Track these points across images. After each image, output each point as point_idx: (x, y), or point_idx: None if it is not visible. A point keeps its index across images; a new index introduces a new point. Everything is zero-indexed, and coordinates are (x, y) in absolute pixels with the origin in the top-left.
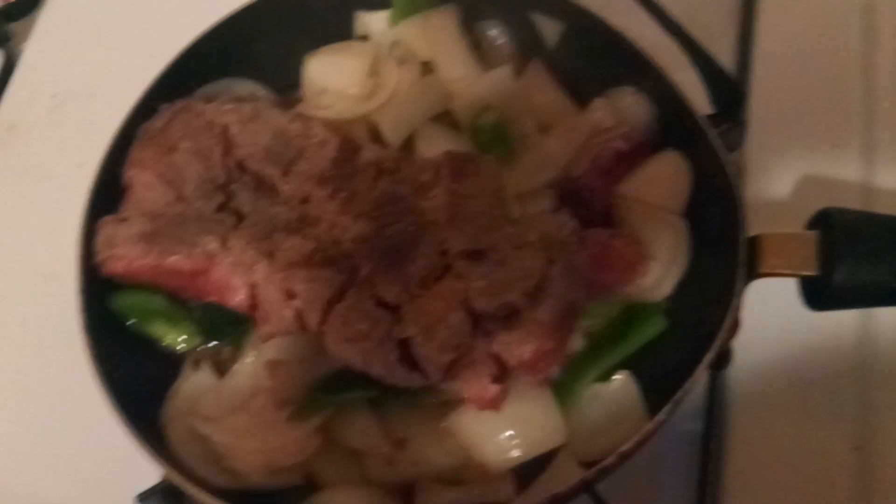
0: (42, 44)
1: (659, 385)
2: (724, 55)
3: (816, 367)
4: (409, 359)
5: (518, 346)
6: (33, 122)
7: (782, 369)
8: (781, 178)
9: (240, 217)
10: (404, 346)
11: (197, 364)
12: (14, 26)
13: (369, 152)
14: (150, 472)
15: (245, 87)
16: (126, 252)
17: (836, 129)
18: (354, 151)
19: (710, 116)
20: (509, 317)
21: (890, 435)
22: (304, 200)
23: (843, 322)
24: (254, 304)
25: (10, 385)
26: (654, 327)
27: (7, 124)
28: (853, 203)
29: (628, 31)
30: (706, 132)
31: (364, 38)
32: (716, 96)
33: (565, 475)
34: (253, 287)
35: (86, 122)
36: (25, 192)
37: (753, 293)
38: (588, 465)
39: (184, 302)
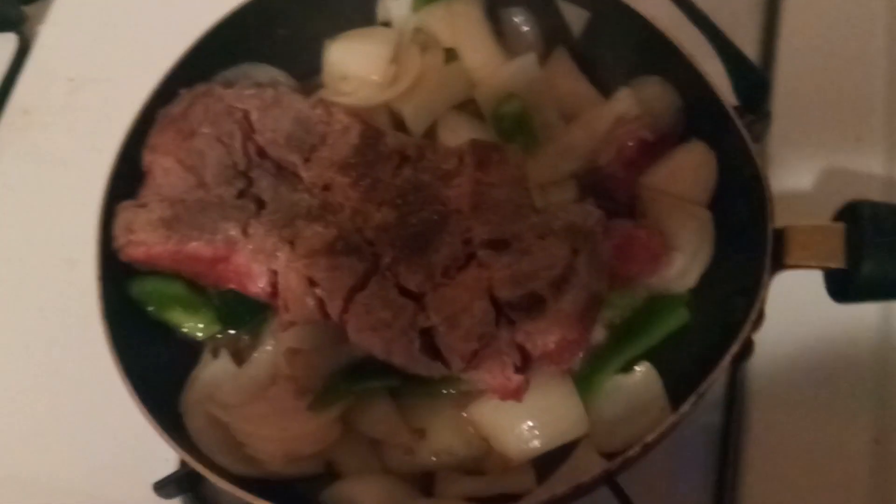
0: (57, 27)
1: (681, 377)
2: (749, 47)
3: (837, 359)
4: (431, 348)
5: (542, 336)
6: (49, 106)
7: (803, 362)
8: (805, 171)
9: (261, 204)
10: (427, 335)
11: (216, 352)
12: (29, 9)
13: (392, 139)
14: (166, 461)
15: (265, 72)
16: (146, 238)
17: (861, 122)
18: (377, 138)
19: (734, 108)
20: (533, 306)
21: None
22: (326, 187)
23: (863, 315)
24: (274, 291)
25: (26, 371)
26: (678, 319)
27: (22, 109)
28: (877, 196)
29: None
30: (735, 122)
31: (386, 24)
32: (740, 88)
33: (586, 466)
34: (274, 274)
35: (103, 107)
36: (41, 176)
37: (774, 285)
38: (609, 455)
39: (203, 289)
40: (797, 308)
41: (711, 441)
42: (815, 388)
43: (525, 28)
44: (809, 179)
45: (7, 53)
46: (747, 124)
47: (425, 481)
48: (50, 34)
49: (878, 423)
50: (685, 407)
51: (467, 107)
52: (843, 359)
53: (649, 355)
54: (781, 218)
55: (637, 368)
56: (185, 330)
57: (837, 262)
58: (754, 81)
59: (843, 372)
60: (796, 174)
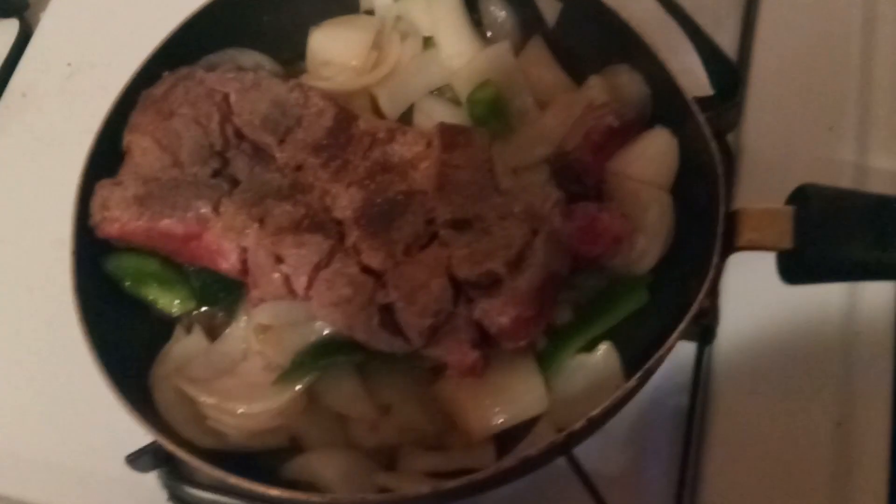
0: (59, 13)
1: (641, 356)
2: (728, 38)
3: (801, 343)
4: (392, 324)
5: (497, 313)
6: (47, 89)
7: (767, 345)
8: (778, 159)
9: (235, 183)
10: (388, 311)
11: (189, 328)
12: None
13: (364, 123)
14: (141, 434)
15: (250, 57)
16: (119, 214)
17: (834, 112)
18: (350, 121)
19: (708, 97)
20: (492, 285)
21: (871, 411)
22: (298, 168)
23: (827, 299)
24: (244, 268)
25: (12, 349)
26: (638, 300)
27: (21, 91)
28: (847, 184)
29: (624, 10)
30: (693, 109)
31: (369, 12)
32: (714, 77)
33: (543, 442)
34: (244, 252)
35: (99, 91)
36: (37, 158)
37: (740, 269)
38: None
39: (179, 266)
40: (762, 292)
41: (678, 424)
42: (779, 372)
43: (503, 17)
44: (782, 167)
45: (9, 38)
46: (720, 113)
47: (388, 456)
48: (51, 20)
49: (839, 407)
50: (631, 382)
51: (446, 93)
52: (806, 342)
53: (611, 335)
54: (750, 204)
55: (599, 347)
56: (160, 306)
57: (786, 245)
58: (726, 71)
59: (807, 355)
60: (769, 162)
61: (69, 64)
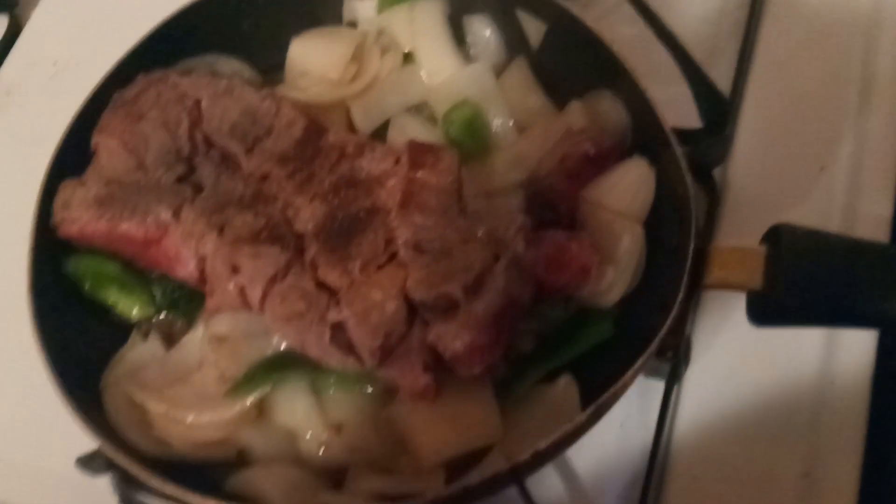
0: (49, 11)
1: (600, 390)
2: (723, 70)
3: (773, 389)
4: (345, 342)
5: (451, 338)
6: (31, 87)
7: (738, 388)
8: (765, 197)
9: (200, 190)
10: (341, 329)
11: (146, 333)
12: None
13: (334, 136)
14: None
15: (229, 64)
16: (80, 215)
17: (826, 151)
18: (320, 134)
19: (696, 129)
20: (448, 309)
21: (839, 463)
22: (264, 178)
23: (805, 346)
24: (202, 277)
25: None
26: (602, 333)
27: (5, 89)
28: (835, 227)
29: (616, 34)
30: (671, 141)
31: (352, 24)
32: (704, 109)
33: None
34: (202, 260)
35: (83, 90)
36: (18, 155)
37: (716, 309)
38: None
39: (141, 271)
40: (738, 334)
41: (642, 462)
42: (749, 416)
43: (487, 36)
44: (767, 205)
45: None
46: (708, 146)
47: (335, 475)
48: (41, 18)
49: (807, 456)
50: (581, 417)
51: (423, 110)
52: (780, 389)
53: (573, 367)
54: (734, 241)
55: (559, 379)
56: (119, 310)
57: (755, 285)
58: (716, 103)
59: (780, 402)
60: (755, 199)
61: (55, 63)
